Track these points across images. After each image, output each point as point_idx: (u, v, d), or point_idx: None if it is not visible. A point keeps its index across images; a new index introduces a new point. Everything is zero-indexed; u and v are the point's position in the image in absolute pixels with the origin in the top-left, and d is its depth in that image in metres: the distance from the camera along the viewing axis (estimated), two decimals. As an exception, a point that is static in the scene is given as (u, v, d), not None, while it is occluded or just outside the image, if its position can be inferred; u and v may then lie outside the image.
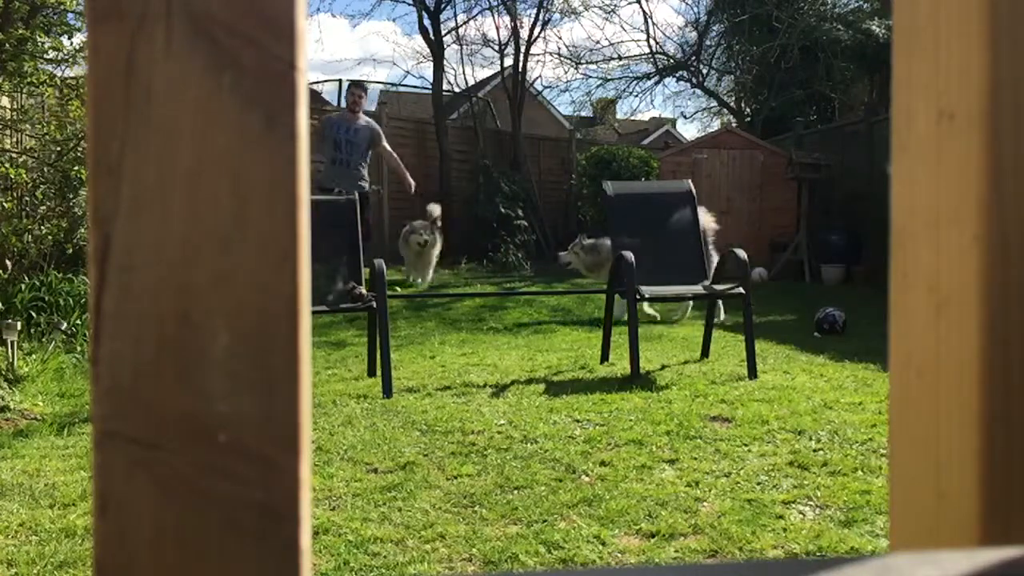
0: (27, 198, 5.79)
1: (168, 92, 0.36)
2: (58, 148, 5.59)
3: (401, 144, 12.57)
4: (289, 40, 0.36)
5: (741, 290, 4.53)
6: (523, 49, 13.87)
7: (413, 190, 7.90)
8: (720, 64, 15.00)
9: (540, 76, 25.02)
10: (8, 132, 5.87)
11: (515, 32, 13.98)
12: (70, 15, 5.46)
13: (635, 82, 15.43)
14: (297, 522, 0.36)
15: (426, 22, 13.25)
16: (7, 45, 4.92)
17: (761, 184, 10.93)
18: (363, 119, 7.83)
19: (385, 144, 7.83)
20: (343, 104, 10.13)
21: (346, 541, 2.27)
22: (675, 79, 15.38)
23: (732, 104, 15.12)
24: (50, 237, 5.58)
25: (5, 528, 2.36)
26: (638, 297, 4.47)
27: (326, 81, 14.01)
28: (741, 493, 2.62)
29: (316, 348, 5.34)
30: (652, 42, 15.39)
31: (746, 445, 3.13)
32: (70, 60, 5.54)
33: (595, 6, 16.72)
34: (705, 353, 5.09)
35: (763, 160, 10.94)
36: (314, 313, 4.25)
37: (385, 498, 2.60)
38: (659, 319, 6.69)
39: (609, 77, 15.71)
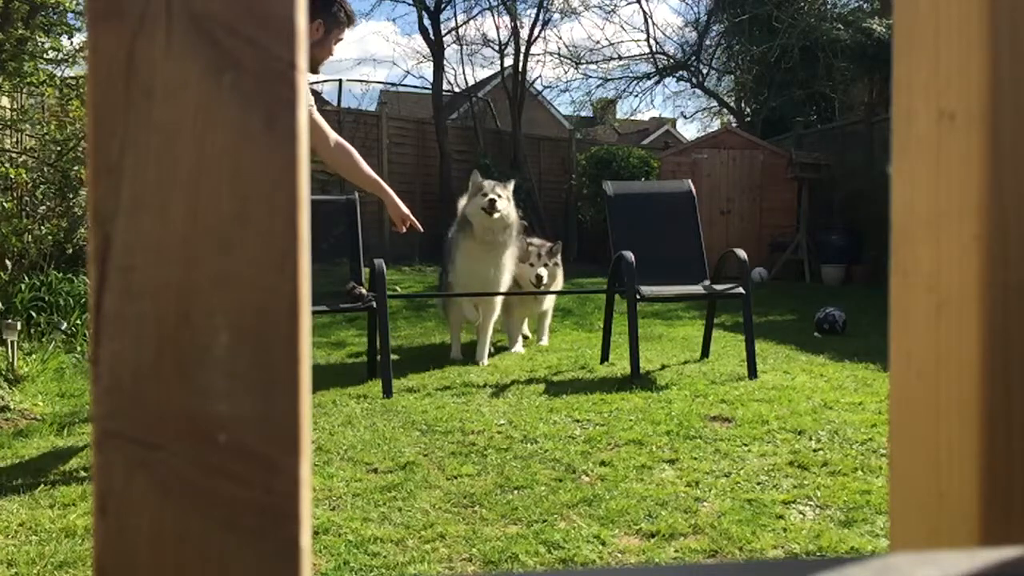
0: (27, 198, 5.79)
1: (168, 92, 0.36)
2: (58, 148, 5.59)
3: (401, 144, 12.60)
4: (289, 40, 0.36)
5: (741, 290, 4.53)
6: (523, 49, 13.89)
7: None
8: (720, 64, 15.01)
9: (540, 76, 25.09)
10: (8, 132, 5.87)
11: (515, 32, 14.00)
12: (70, 15, 5.45)
13: (635, 82, 15.44)
14: (297, 522, 0.36)
15: (426, 22, 13.28)
16: (7, 45, 4.92)
17: (761, 184, 10.93)
18: None
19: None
20: (344, 104, 10.10)
21: (346, 541, 2.27)
22: (675, 79, 15.39)
23: (732, 104, 15.12)
24: (50, 237, 5.58)
25: (5, 528, 2.36)
26: (638, 297, 4.47)
27: (326, 81, 13.99)
28: (741, 493, 2.62)
29: (316, 348, 5.34)
30: (652, 42, 15.41)
31: (746, 445, 3.13)
32: (70, 60, 5.53)
33: (595, 6, 16.77)
34: (705, 353, 5.09)
35: (763, 160, 10.95)
36: (314, 313, 4.25)
37: (385, 498, 2.60)
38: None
39: (609, 77, 15.72)
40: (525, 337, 5.71)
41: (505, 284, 5.16)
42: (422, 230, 3.75)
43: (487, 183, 5.14)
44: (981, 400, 0.43)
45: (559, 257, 5.57)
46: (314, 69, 3.28)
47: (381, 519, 2.44)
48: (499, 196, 5.02)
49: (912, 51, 0.47)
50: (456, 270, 5.14)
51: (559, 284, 5.64)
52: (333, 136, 3.38)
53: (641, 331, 4.78)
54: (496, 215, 4.98)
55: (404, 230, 3.67)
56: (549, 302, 5.74)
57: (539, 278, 5.34)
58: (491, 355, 5.16)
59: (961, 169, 0.44)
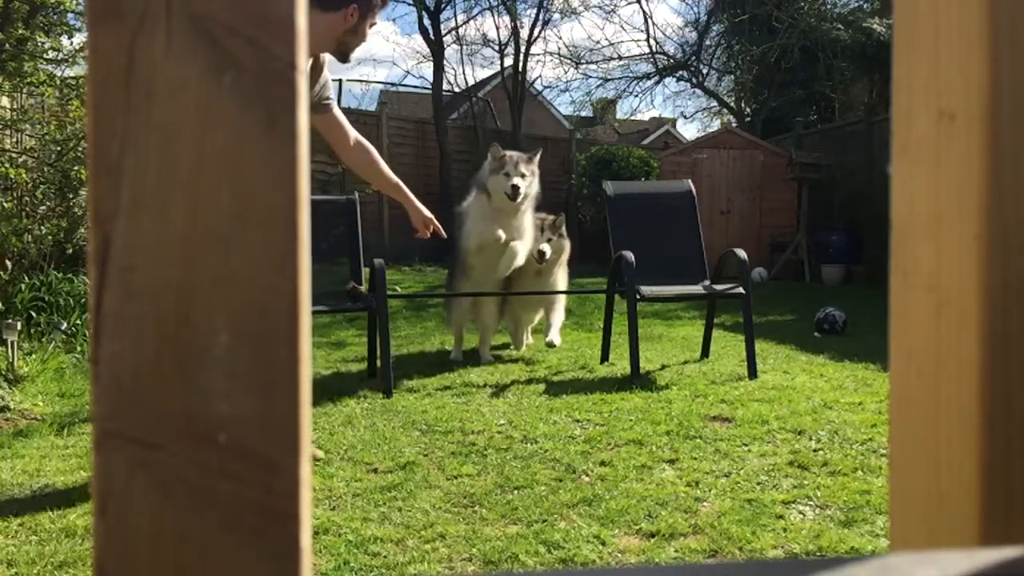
0: (27, 198, 5.79)
1: (168, 92, 0.36)
2: (58, 148, 5.59)
3: (401, 144, 12.60)
4: (289, 40, 0.36)
5: (741, 290, 4.53)
6: (523, 49, 13.90)
7: None
8: (720, 64, 15.02)
9: (540, 76, 25.10)
10: (8, 132, 5.87)
11: (515, 32, 14.01)
12: (70, 15, 5.45)
13: (635, 82, 15.47)
14: (297, 522, 0.36)
15: (426, 22, 13.29)
16: (7, 45, 4.92)
17: (761, 184, 10.93)
18: None
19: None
20: (344, 104, 10.08)
21: (346, 541, 2.27)
22: (675, 79, 15.40)
23: (732, 104, 15.13)
24: (50, 237, 5.58)
25: (5, 528, 2.36)
26: (638, 297, 4.47)
27: (326, 81, 13.98)
28: (741, 493, 2.62)
29: (316, 348, 5.34)
30: (652, 42, 15.43)
31: (746, 445, 3.13)
32: (70, 60, 5.53)
33: (595, 6, 16.78)
34: (705, 353, 5.09)
35: (763, 160, 10.95)
36: (314, 313, 4.24)
37: (385, 498, 2.60)
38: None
39: (609, 77, 15.75)
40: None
41: (527, 245, 4.86)
42: (445, 236, 3.60)
43: (508, 157, 4.71)
44: (981, 400, 0.43)
45: (564, 229, 5.14)
46: (345, 58, 3.02)
47: (381, 519, 2.44)
48: (523, 178, 4.68)
49: (912, 51, 0.47)
50: (473, 231, 4.80)
51: (566, 257, 5.24)
52: (353, 134, 3.19)
53: (641, 331, 4.77)
54: (519, 199, 4.69)
55: (428, 235, 3.51)
56: (559, 293, 5.36)
57: (541, 254, 4.95)
58: (492, 354, 5.16)
59: (961, 169, 0.44)
